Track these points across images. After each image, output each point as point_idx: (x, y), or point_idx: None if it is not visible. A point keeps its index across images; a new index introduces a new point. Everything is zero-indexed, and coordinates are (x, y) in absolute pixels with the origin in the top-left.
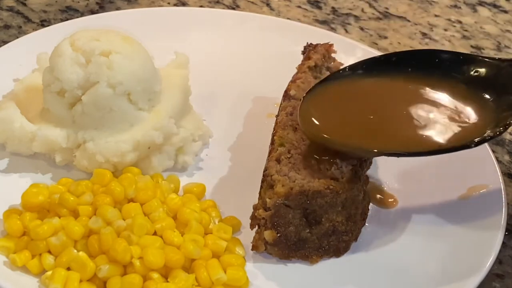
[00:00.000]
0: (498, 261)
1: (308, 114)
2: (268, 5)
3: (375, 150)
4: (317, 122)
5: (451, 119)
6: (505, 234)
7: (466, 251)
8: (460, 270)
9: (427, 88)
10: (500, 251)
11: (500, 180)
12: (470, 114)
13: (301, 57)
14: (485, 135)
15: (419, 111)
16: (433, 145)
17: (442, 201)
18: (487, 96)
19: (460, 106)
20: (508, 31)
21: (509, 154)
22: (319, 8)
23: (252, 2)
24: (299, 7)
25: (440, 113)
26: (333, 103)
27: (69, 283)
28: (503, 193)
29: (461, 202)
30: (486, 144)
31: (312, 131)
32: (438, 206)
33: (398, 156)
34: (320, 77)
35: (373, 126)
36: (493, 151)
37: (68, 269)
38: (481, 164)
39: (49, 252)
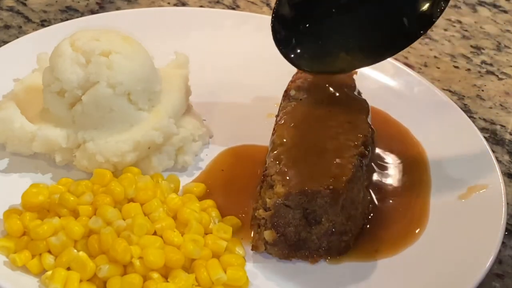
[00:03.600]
0: (498, 261)
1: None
2: (268, 5)
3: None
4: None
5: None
6: (505, 234)
7: (466, 251)
8: (460, 270)
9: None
10: (500, 251)
11: (500, 180)
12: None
13: None
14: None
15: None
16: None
17: (442, 201)
18: None
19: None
20: (508, 31)
21: (509, 154)
22: None
23: (252, 2)
24: None
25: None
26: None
27: (69, 283)
28: (503, 193)
29: (461, 202)
30: (486, 144)
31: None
32: (438, 206)
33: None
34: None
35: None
36: (493, 151)
37: (68, 269)
38: (481, 164)
39: (49, 252)
